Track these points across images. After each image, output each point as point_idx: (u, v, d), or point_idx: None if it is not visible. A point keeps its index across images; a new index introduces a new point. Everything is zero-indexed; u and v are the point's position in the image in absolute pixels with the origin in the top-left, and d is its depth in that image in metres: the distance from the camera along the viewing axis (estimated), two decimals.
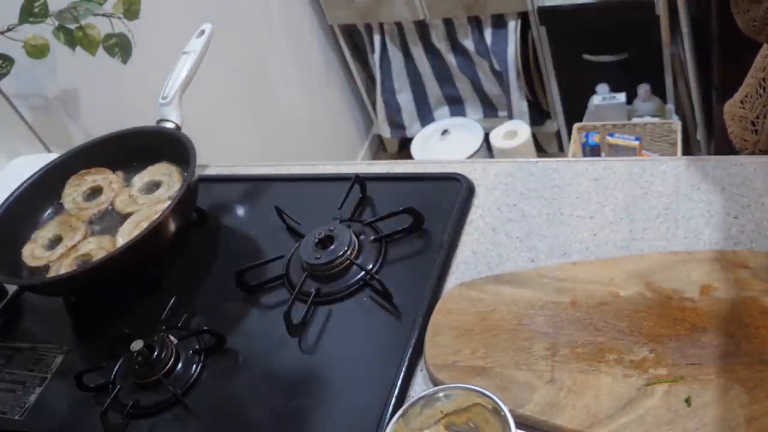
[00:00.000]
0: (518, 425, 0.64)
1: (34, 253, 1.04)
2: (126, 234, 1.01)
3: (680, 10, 1.95)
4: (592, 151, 2.22)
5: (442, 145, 2.52)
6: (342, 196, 1.00)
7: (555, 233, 0.88)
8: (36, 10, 1.20)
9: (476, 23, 2.33)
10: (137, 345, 0.86)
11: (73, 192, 1.11)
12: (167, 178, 1.08)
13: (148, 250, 0.94)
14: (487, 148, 2.47)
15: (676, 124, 2.21)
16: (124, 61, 1.31)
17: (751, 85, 1.03)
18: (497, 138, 2.36)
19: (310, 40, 2.47)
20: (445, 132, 2.54)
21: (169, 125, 1.10)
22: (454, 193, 0.96)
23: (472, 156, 2.42)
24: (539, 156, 2.54)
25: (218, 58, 1.40)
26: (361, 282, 0.89)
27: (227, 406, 0.83)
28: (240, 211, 1.13)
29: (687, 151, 2.23)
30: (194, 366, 0.88)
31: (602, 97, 2.32)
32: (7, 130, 1.36)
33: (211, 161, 1.25)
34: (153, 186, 1.08)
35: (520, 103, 2.41)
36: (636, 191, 0.90)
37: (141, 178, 1.10)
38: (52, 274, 0.99)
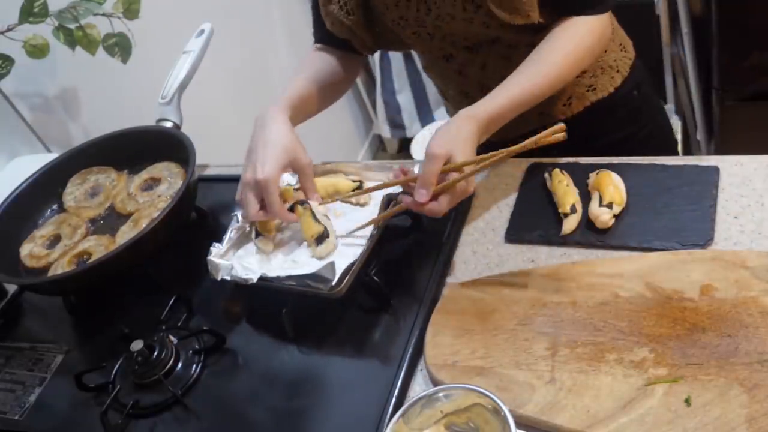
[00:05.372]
0: (518, 425, 0.64)
1: (33, 252, 1.04)
2: (126, 233, 1.01)
3: (680, 10, 1.94)
4: None
5: None
6: None
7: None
8: (36, 10, 1.19)
9: None
10: (137, 345, 0.86)
11: (75, 190, 1.11)
12: (168, 177, 1.08)
13: (147, 249, 0.94)
14: None
15: (676, 124, 2.21)
16: (124, 61, 1.31)
17: None
18: None
19: (310, 40, 2.46)
20: None
21: (169, 124, 1.10)
22: None
23: None
24: None
25: (218, 58, 1.40)
26: (359, 282, 0.89)
27: (227, 406, 0.83)
28: None
29: (687, 151, 2.23)
30: (194, 366, 0.88)
31: None
32: (7, 130, 1.36)
33: (211, 161, 1.25)
34: (153, 185, 1.08)
35: None
36: None
37: (141, 177, 1.10)
38: (51, 273, 0.99)
